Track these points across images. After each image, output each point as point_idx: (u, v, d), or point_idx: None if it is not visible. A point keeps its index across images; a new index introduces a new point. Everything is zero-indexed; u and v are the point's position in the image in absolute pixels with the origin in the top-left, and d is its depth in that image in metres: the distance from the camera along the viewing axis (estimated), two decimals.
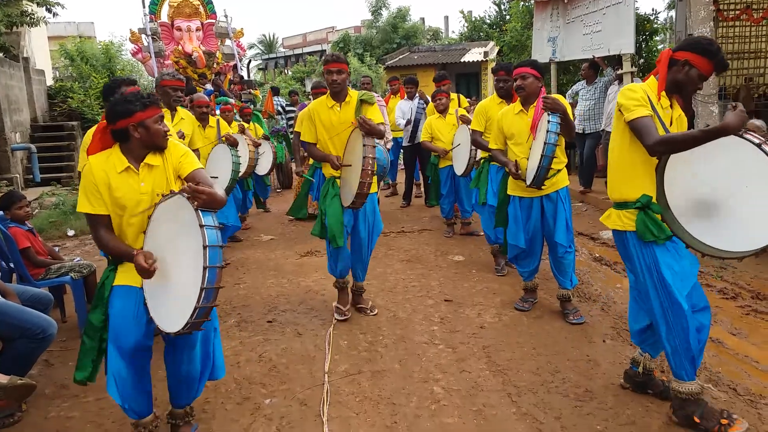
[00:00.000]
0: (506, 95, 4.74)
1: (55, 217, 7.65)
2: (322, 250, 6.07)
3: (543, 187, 3.77)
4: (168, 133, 2.52)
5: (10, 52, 11.30)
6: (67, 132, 12.02)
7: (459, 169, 5.54)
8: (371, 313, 4.23)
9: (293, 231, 7.12)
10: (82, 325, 4.00)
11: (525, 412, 2.83)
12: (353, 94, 4.03)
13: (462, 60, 18.74)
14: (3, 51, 10.60)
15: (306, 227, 7.16)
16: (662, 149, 2.47)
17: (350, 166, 3.87)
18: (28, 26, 10.56)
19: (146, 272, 2.28)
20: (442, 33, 26.66)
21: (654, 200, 2.61)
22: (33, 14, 10.27)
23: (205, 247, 2.08)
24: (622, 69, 6.69)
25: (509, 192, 4.07)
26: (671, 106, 2.67)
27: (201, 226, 2.12)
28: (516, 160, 3.87)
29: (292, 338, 3.88)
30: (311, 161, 6.21)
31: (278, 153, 8.65)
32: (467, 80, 19.81)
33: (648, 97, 2.56)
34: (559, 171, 3.84)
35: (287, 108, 10.75)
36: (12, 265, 4.01)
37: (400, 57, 20.42)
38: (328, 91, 4.05)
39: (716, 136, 2.30)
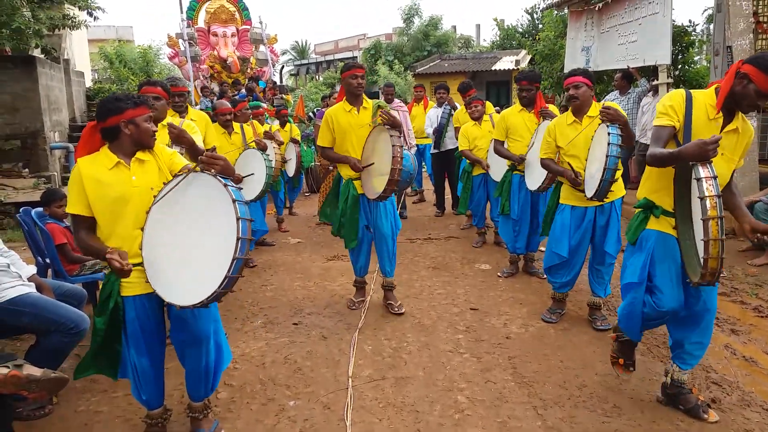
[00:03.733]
0: (528, 104, 4.80)
1: None
2: (348, 255, 6.09)
3: (605, 199, 3.72)
4: (155, 133, 2.59)
5: (52, 54, 11.64)
6: None
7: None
8: (399, 312, 4.32)
9: (320, 235, 7.16)
10: None
11: (551, 426, 2.78)
12: (369, 102, 4.24)
13: (493, 68, 18.66)
14: (45, 53, 10.92)
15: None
16: (649, 161, 2.61)
17: (372, 164, 4.03)
18: (70, 29, 10.86)
19: (121, 272, 2.31)
20: (473, 41, 26.59)
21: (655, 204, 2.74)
22: (75, 18, 10.55)
23: (238, 219, 2.17)
24: (657, 80, 6.57)
25: (563, 201, 3.99)
26: (729, 117, 2.59)
27: (234, 201, 2.21)
28: (574, 169, 3.79)
29: (317, 341, 3.90)
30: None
31: (308, 157, 8.74)
32: (497, 88, 19.71)
33: (689, 105, 2.56)
34: (615, 181, 3.70)
35: (317, 113, 10.84)
36: (48, 260, 4.14)
37: (431, 64, 20.42)
38: (345, 97, 4.22)
39: (674, 160, 2.47)
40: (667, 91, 6.46)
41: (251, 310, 4.54)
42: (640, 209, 2.87)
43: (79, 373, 2.65)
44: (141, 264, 2.46)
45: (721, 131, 2.55)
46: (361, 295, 4.59)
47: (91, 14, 10.38)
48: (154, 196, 2.46)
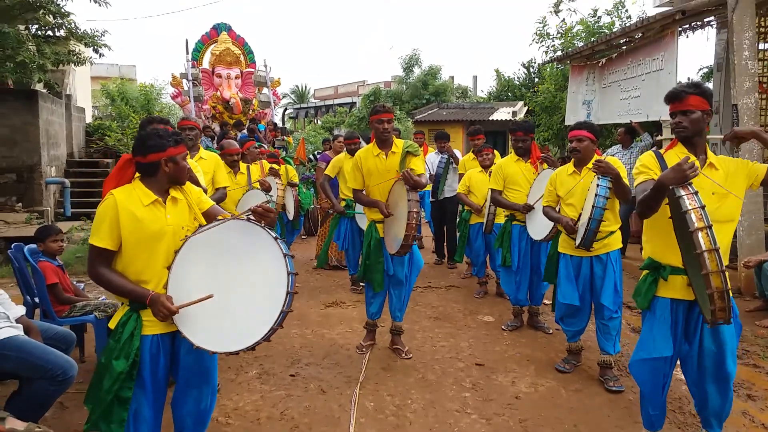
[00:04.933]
0: (524, 153, 4.85)
1: (82, 252, 7.65)
2: (348, 300, 5.94)
3: (592, 249, 3.75)
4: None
5: (54, 89, 11.69)
6: (101, 169, 12.24)
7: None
8: (407, 357, 4.29)
9: (318, 279, 7.00)
10: None
11: None
12: (399, 144, 4.20)
13: (490, 118, 18.92)
14: (47, 87, 10.96)
15: (330, 276, 7.07)
16: (639, 211, 2.63)
17: (394, 214, 4.04)
18: (75, 65, 10.92)
19: (168, 315, 2.32)
20: (470, 91, 27.07)
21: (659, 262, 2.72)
22: (80, 54, 10.64)
23: (288, 274, 2.23)
24: (661, 135, 6.60)
25: (560, 249, 4.04)
26: (704, 157, 2.68)
27: (285, 255, 2.27)
28: (569, 216, 3.85)
29: (316, 395, 3.70)
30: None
31: (308, 200, 8.65)
32: (494, 138, 19.89)
33: (661, 161, 2.71)
34: (611, 233, 3.86)
35: (318, 156, 10.84)
36: (37, 299, 3.96)
37: (429, 112, 20.69)
38: (375, 140, 4.22)
39: (657, 192, 2.44)
40: None
41: (245, 359, 4.33)
42: (647, 271, 2.81)
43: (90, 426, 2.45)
44: None
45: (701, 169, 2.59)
46: (370, 339, 4.52)
47: (97, 51, 10.45)
48: (186, 236, 2.43)
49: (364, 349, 4.42)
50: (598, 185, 3.52)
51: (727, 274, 2.28)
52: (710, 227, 2.26)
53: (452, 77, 26.13)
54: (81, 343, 4.16)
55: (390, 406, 3.55)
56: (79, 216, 10.28)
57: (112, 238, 2.36)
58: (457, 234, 6.65)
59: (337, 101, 34.72)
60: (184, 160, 2.53)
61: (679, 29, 6.51)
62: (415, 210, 3.79)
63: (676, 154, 2.64)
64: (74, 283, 4.40)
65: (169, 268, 2.41)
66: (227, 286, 2.35)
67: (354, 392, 3.70)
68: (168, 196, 2.50)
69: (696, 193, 2.36)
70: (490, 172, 5.68)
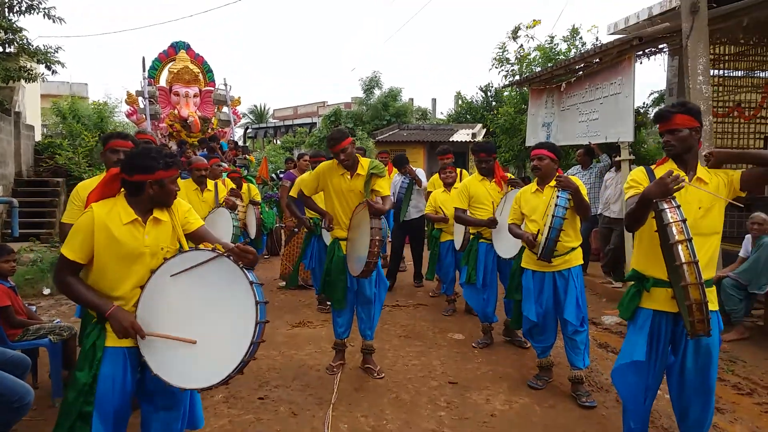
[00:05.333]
0: (488, 173, 4.93)
1: (32, 275, 7.27)
2: (315, 320, 5.82)
3: (553, 261, 3.84)
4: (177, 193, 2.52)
5: (3, 106, 11.22)
6: (51, 188, 11.73)
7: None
8: (378, 377, 4.23)
9: (282, 300, 6.84)
10: (57, 393, 3.66)
11: None
12: (365, 164, 4.16)
13: (451, 139, 19.20)
14: None
15: (296, 295, 6.92)
16: (627, 224, 2.73)
17: (356, 237, 4.03)
18: (26, 81, 10.52)
19: (127, 333, 2.25)
20: (430, 113, 27.46)
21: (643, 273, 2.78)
22: (32, 70, 10.26)
23: (257, 303, 2.19)
24: (619, 156, 6.81)
25: (523, 264, 4.11)
26: (693, 171, 2.74)
27: (251, 283, 2.23)
28: (532, 231, 3.92)
29: (287, 418, 3.57)
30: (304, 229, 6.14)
31: (270, 219, 8.51)
32: (455, 159, 20.19)
33: (651, 175, 2.78)
34: (573, 249, 3.95)
35: (281, 175, 10.72)
36: None
37: (390, 133, 20.83)
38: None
39: (641, 205, 2.53)
40: (629, 168, 6.71)
41: None
42: (631, 282, 2.88)
43: None
44: None
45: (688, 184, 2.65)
46: (340, 359, 4.43)
47: (49, 68, 10.11)
48: (165, 257, 2.36)
49: (334, 370, 4.33)
50: (557, 196, 3.68)
51: (704, 287, 2.31)
52: (690, 240, 2.32)
53: (412, 99, 26.47)
54: (34, 368, 3.91)
55: (365, 427, 3.46)
56: (28, 237, 9.80)
57: (83, 252, 2.29)
58: (426, 252, 6.65)
59: (297, 121, 34.64)
60: (174, 183, 2.44)
61: (636, 54, 6.76)
62: (378, 237, 3.81)
63: (665, 170, 2.68)
64: (26, 305, 4.15)
65: (142, 287, 2.33)
66: (197, 318, 2.29)
67: (327, 414, 3.59)
68: (150, 216, 2.41)
69: (678, 207, 2.41)
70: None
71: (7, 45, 9.61)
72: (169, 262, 2.34)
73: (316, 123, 30.38)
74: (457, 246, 5.53)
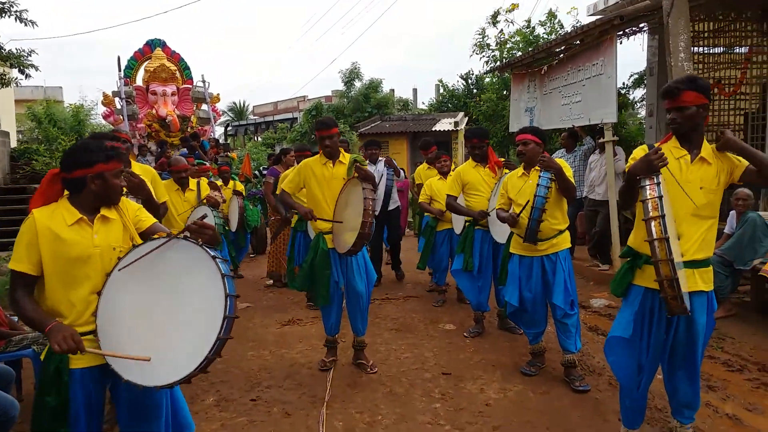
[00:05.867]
0: (481, 159, 4.89)
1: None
2: (305, 318, 5.76)
3: (539, 246, 3.85)
4: (123, 190, 2.39)
5: None
6: (28, 195, 11.49)
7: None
8: (372, 371, 4.19)
9: (271, 298, 6.77)
10: None
11: None
12: (347, 156, 4.18)
13: (433, 129, 19.15)
14: None
15: (284, 294, 6.85)
16: (620, 203, 2.89)
17: (346, 213, 4.02)
18: None
19: (63, 346, 2.03)
20: (411, 104, 27.38)
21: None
22: (4, 75, 10.00)
23: (223, 277, 2.03)
24: (602, 138, 6.79)
25: (511, 250, 4.10)
26: (697, 150, 2.70)
27: (213, 257, 2.08)
28: (516, 212, 3.90)
29: (280, 419, 3.52)
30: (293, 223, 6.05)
31: (254, 217, 8.40)
32: (438, 148, 20.14)
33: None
34: (560, 232, 3.94)
35: (264, 172, 10.59)
36: None
37: (372, 125, 20.73)
38: (321, 152, 4.17)
39: (628, 182, 2.59)
40: (613, 149, 6.71)
41: (200, 386, 4.08)
42: (625, 259, 2.87)
43: None
44: (93, 332, 2.18)
45: (691, 164, 2.66)
46: (332, 355, 4.39)
47: (23, 72, 9.84)
48: (119, 257, 2.22)
49: (327, 365, 4.28)
50: (540, 176, 3.72)
51: (674, 263, 2.34)
52: (663, 217, 2.34)
53: (393, 90, 26.34)
54: (18, 379, 3.81)
55: (360, 424, 3.41)
56: (6, 246, 9.59)
57: (31, 262, 2.15)
58: (421, 241, 6.59)
59: (277, 117, 34.34)
60: (117, 177, 2.30)
61: (617, 34, 6.74)
62: (370, 197, 3.80)
63: (669, 148, 2.67)
64: (8, 315, 4.03)
65: (99, 293, 2.19)
66: (162, 312, 2.15)
67: (321, 413, 3.54)
68: (97, 215, 2.28)
69: (659, 184, 2.42)
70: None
71: None
72: (123, 260, 2.21)
73: (297, 118, 30.16)
74: (458, 231, 5.45)
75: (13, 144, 14.48)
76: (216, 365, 4.40)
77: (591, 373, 4.09)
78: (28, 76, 9.93)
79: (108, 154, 2.25)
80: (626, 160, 6.86)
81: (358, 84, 23.85)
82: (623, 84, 10.57)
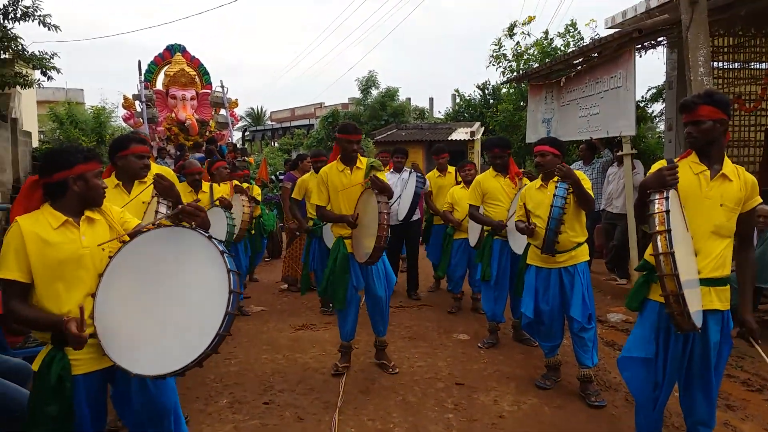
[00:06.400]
0: (502, 169, 4.88)
1: None
2: (319, 323, 5.77)
3: (557, 257, 3.81)
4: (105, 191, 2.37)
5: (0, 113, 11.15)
6: None
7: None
8: (393, 372, 4.28)
9: (285, 302, 6.79)
10: None
11: None
12: (363, 161, 4.22)
13: (449, 138, 19.16)
14: None
15: (298, 298, 6.85)
16: (635, 214, 2.83)
17: (363, 225, 4.03)
18: (21, 87, 10.44)
19: (80, 342, 2.04)
20: (427, 112, 27.43)
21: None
22: (27, 76, 10.18)
23: (229, 272, 2.04)
24: (621, 150, 6.75)
25: (529, 261, 4.06)
26: (718, 166, 2.67)
27: (209, 238, 2.11)
28: (534, 223, 3.88)
29: (293, 423, 3.52)
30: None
31: (270, 221, 8.46)
32: (453, 158, 20.12)
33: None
34: (579, 245, 3.90)
35: (281, 177, 10.66)
36: None
37: (388, 133, 20.78)
38: (339, 157, 4.22)
39: (641, 195, 2.58)
40: (632, 162, 6.66)
41: (215, 388, 4.10)
42: (641, 273, 2.83)
43: None
44: (92, 335, 2.14)
45: (711, 180, 2.62)
46: (345, 361, 4.38)
47: (45, 74, 10.02)
48: (109, 256, 2.20)
49: (339, 370, 4.28)
50: (557, 187, 3.70)
51: (680, 279, 2.31)
52: (669, 231, 2.33)
53: (409, 99, 26.41)
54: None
55: (372, 430, 3.40)
56: None
57: (20, 269, 2.11)
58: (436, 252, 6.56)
59: (294, 123, 34.56)
60: (98, 177, 2.28)
61: (636, 47, 6.71)
62: (385, 211, 3.81)
63: (688, 164, 2.66)
64: None
65: (93, 295, 2.16)
66: (162, 304, 2.13)
67: (333, 418, 3.53)
68: (82, 217, 2.27)
69: (667, 198, 2.40)
70: None
71: (2, 51, 9.53)
72: (114, 258, 2.19)
73: (313, 125, 30.31)
74: (472, 242, 5.42)
75: (35, 144, 14.74)
76: (230, 367, 4.49)
77: (607, 389, 4.04)
78: (50, 78, 10.12)
79: (86, 155, 2.26)
80: (645, 174, 6.86)
81: (374, 92, 23.96)
82: (642, 97, 10.50)
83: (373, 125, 22.99)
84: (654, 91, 11.21)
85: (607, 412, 3.64)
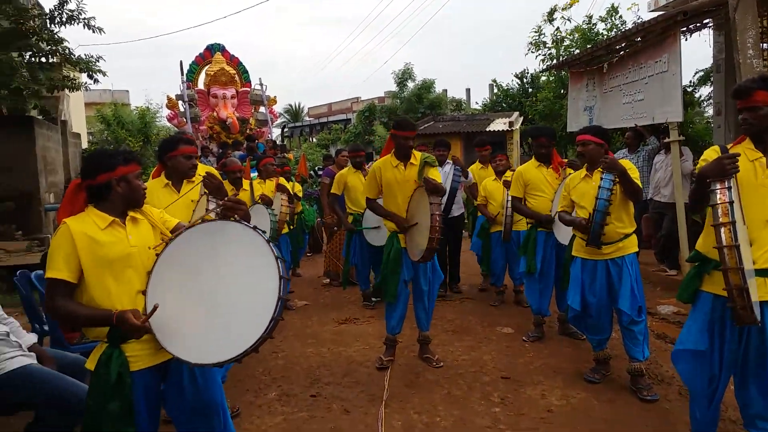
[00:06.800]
0: (546, 159, 4.79)
1: None
2: (361, 317, 5.81)
3: (603, 248, 3.72)
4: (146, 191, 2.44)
5: (50, 115, 11.59)
6: None
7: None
8: (438, 365, 4.29)
9: (328, 296, 6.87)
10: None
11: None
12: (417, 155, 4.21)
13: (487, 129, 18.92)
14: (42, 114, 10.86)
15: (341, 292, 6.92)
16: (689, 207, 2.81)
17: (416, 224, 4.06)
18: (70, 90, 10.82)
19: (139, 330, 2.11)
20: (464, 104, 27.16)
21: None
22: (75, 79, 10.55)
23: (277, 258, 2.10)
24: (668, 137, 6.53)
25: (574, 253, 3.99)
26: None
27: (254, 228, 2.18)
28: (581, 216, 3.81)
29: (340, 416, 3.56)
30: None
31: (311, 216, 8.55)
32: (492, 148, 19.86)
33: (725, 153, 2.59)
34: (627, 236, 3.80)
35: (319, 172, 10.75)
36: (45, 327, 3.83)
37: (426, 125, 20.67)
38: (393, 152, 4.25)
39: (698, 184, 2.50)
40: (679, 149, 6.44)
41: (263, 381, 4.19)
42: (693, 264, 2.77)
43: None
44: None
45: (767, 168, 2.54)
46: (390, 354, 4.40)
47: (91, 77, 10.35)
48: (156, 254, 2.26)
49: (384, 363, 4.30)
50: (602, 179, 3.60)
51: (744, 272, 2.24)
52: (734, 223, 2.25)
53: (445, 90, 26.19)
54: None
55: (418, 424, 3.42)
56: None
57: (70, 269, 2.16)
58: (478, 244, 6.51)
59: (331, 118, 34.82)
60: (138, 179, 2.36)
61: (681, 30, 6.47)
62: (437, 213, 3.82)
63: (742, 150, 2.57)
64: None
65: (144, 292, 2.21)
66: (214, 294, 2.19)
67: (379, 411, 3.56)
68: (127, 217, 2.34)
69: (730, 188, 2.32)
70: (505, 181, 5.66)
71: (50, 56, 9.89)
72: (162, 255, 2.25)
73: (350, 119, 30.46)
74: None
75: (84, 145, 15.32)
76: (277, 360, 4.58)
77: (659, 382, 3.93)
78: (96, 81, 10.44)
79: (126, 158, 2.33)
80: (693, 161, 6.62)
81: (410, 84, 23.85)
82: (689, 81, 10.14)
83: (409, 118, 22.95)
84: (701, 74, 10.80)
85: (660, 406, 3.55)
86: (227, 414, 2.52)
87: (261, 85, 14.77)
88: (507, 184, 5.59)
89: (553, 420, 3.40)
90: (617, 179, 3.57)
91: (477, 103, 25.29)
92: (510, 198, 5.39)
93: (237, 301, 2.15)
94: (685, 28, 6.84)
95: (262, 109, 14.73)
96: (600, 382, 3.91)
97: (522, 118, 17.42)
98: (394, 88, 25.01)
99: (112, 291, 2.21)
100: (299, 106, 41.26)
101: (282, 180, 6.39)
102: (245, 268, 2.17)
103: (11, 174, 9.44)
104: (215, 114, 13.48)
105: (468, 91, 29.37)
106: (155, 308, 2.09)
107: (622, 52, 7.67)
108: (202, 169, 4.50)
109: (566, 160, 4.93)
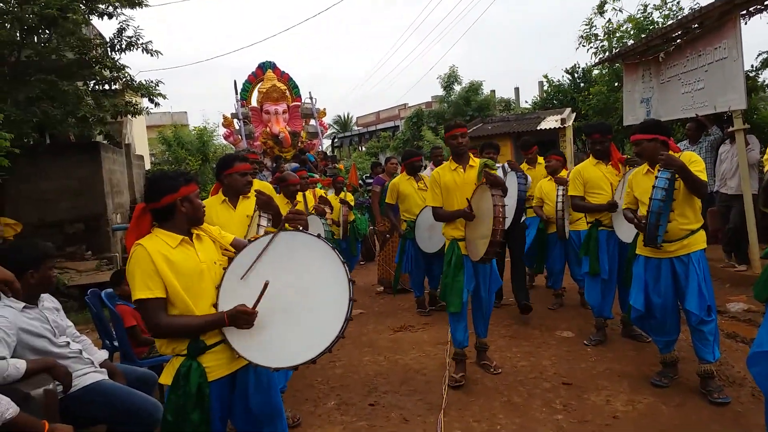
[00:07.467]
0: (603, 156, 4.66)
1: None
2: (417, 325, 5.79)
3: (664, 246, 3.58)
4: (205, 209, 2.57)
5: (114, 140, 12.19)
6: None
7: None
8: (496, 372, 4.24)
9: (382, 304, 6.89)
10: None
11: None
12: (476, 160, 4.20)
13: (538, 128, 18.52)
14: (107, 138, 11.42)
15: (394, 300, 6.94)
16: (761, 204, 2.65)
17: (477, 221, 4.01)
18: (132, 116, 11.36)
19: (253, 316, 2.28)
20: (513, 103, 26.72)
21: None
22: (137, 104, 11.05)
23: (343, 263, 2.28)
24: (732, 126, 6.21)
25: (638, 251, 3.85)
26: None
27: (318, 236, 2.35)
28: (643, 215, 3.67)
29: (399, 424, 3.56)
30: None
31: (363, 225, 8.62)
32: (545, 147, 19.42)
33: None
34: (692, 232, 3.63)
35: (368, 180, 10.84)
36: (116, 343, 4.01)
37: (474, 128, 20.46)
38: (451, 156, 4.27)
39: None
40: (744, 138, 6.11)
41: (322, 390, 4.25)
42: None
43: None
44: (219, 343, 2.36)
45: None
46: (461, 370, 4.17)
47: (152, 101, 10.83)
48: (224, 268, 2.41)
49: (457, 381, 4.07)
50: (657, 177, 3.45)
51: None
52: None
53: (493, 91, 25.84)
54: (160, 383, 4.18)
55: None
56: None
57: (157, 286, 2.24)
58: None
59: (379, 127, 35.01)
60: (197, 197, 2.46)
61: (740, 13, 6.16)
62: (500, 204, 3.72)
63: None
64: None
65: (215, 305, 2.35)
66: (285, 299, 2.31)
67: (438, 419, 3.54)
68: (192, 235, 2.45)
69: None
70: (557, 178, 5.55)
71: (112, 83, 10.42)
72: (229, 270, 2.40)
73: (398, 126, 30.54)
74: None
75: (147, 166, 16.04)
76: (335, 369, 4.63)
77: (731, 384, 3.73)
78: (157, 104, 10.91)
79: (186, 178, 2.44)
80: (761, 150, 6.26)
81: (457, 88, 23.71)
82: (751, 66, 9.59)
83: None
84: (764, 56, 10.21)
85: (732, 408, 3.37)
86: (284, 420, 2.63)
87: (311, 98, 15.06)
88: (559, 181, 5.47)
89: (618, 426, 3.28)
90: (676, 176, 3.41)
91: (527, 102, 24.80)
92: (562, 194, 5.29)
93: (312, 304, 2.30)
94: (744, 11, 6.51)
95: (312, 121, 15.02)
96: (668, 386, 3.75)
97: (575, 114, 16.96)
98: (441, 92, 24.95)
99: (190, 306, 2.30)
100: (348, 116, 41.75)
101: (318, 191, 6.53)
102: (317, 273, 2.32)
103: (81, 197, 9.98)
104: (268, 129, 13.84)
105: (517, 90, 28.92)
106: (265, 286, 2.24)
107: (678, 41, 7.37)
108: (256, 185, 4.64)
109: (626, 156, 4.75)
